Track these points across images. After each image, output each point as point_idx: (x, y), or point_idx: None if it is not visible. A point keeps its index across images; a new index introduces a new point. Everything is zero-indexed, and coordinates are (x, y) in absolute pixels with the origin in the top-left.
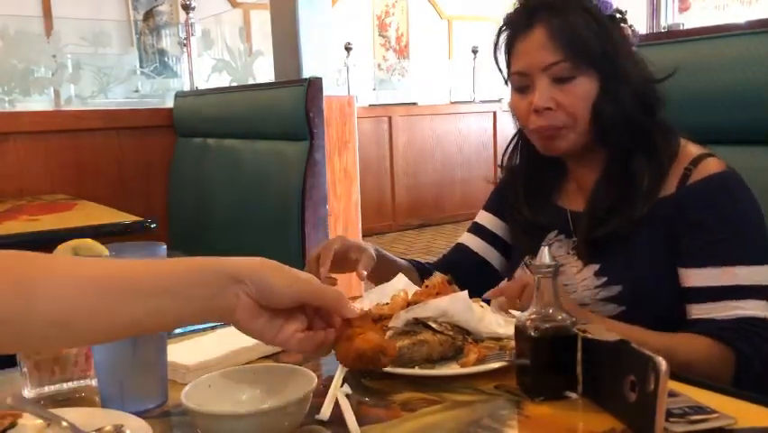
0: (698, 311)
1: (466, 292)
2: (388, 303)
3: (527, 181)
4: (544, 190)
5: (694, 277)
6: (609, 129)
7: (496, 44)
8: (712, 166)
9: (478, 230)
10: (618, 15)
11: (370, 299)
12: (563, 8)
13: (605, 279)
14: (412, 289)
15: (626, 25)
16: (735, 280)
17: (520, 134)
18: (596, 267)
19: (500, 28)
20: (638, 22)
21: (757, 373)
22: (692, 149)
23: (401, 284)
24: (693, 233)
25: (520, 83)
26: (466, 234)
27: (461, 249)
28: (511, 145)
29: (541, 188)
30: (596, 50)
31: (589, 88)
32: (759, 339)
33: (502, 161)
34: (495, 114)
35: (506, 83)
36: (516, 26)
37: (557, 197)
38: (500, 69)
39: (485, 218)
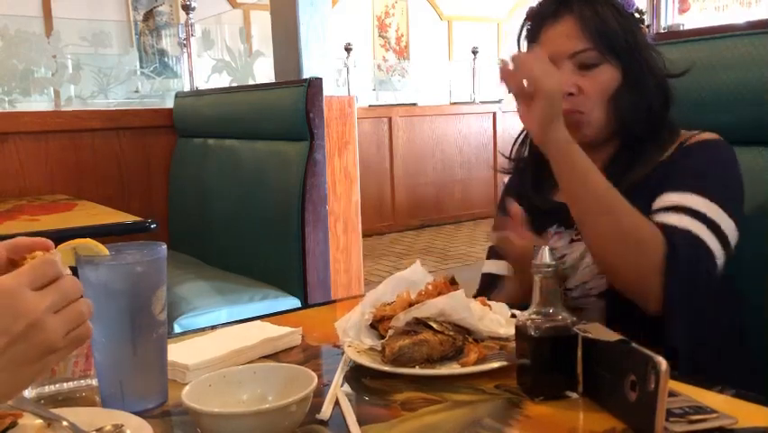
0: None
1: (462, 291)
2: (390, 304)
3: (535, 172)
4: (549, 184)
5: (659, 200)
6: (629, 118)
7: (520, 33)
8: (706, 135)
9: (494, 254)
10: (638, 15)
11: (389, 287)
12: (592, 0)
13: None
14: (423, 283)
15: (642, 25)
16: (694, 204)
17: None
18: None
19: (526, 17)
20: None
21: (682, 281)
22: (690, 132)
23: (416, 275)
24: (674, 173)
25: None
26: (486, 263)
27: (487, 279)
28: (521, 137)
29: (546, 180)
30: (621, 41)
31: (612, 77)
32: (694, 251)
33: (511, 152)
34: (495, 114)
35: None
36: (543, 16)
37: (556, 193)
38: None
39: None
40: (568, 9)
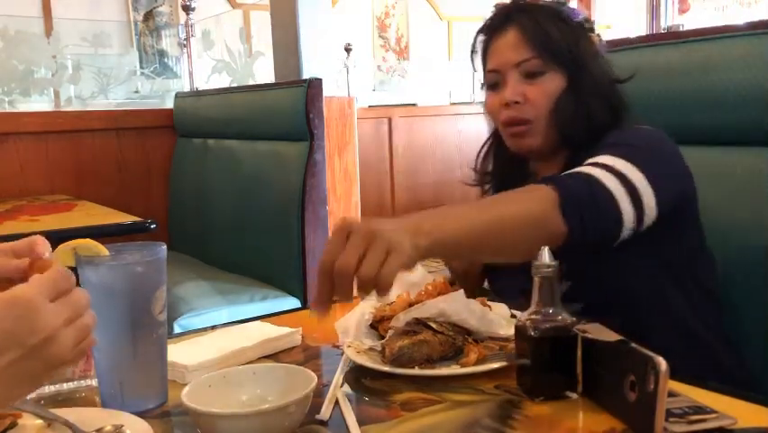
0: None
1: (462, 291)
2: (390, 304)
3: (499, 183)
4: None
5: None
6: (570, 125)
7: (473, 47)
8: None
9: None
10: (587, 24)
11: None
12: (536, 12)
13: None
14: (423, 283)
15: (593, 34)
16: (611, 163)
17: (494, 137)
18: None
19: (477, 32)
20: (638, 22)
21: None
22: None
23: (416, 275)
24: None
25: (493, 80)
26: None
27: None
28: (485, 148)
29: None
30: (564, 49)
31: (556, 85)
32: (585, 180)
33: (476, 164)
34: None
35: (481, 87)
36: (492, 29)
37: None
38: (476, 71)
39: None
40: (512, 22)
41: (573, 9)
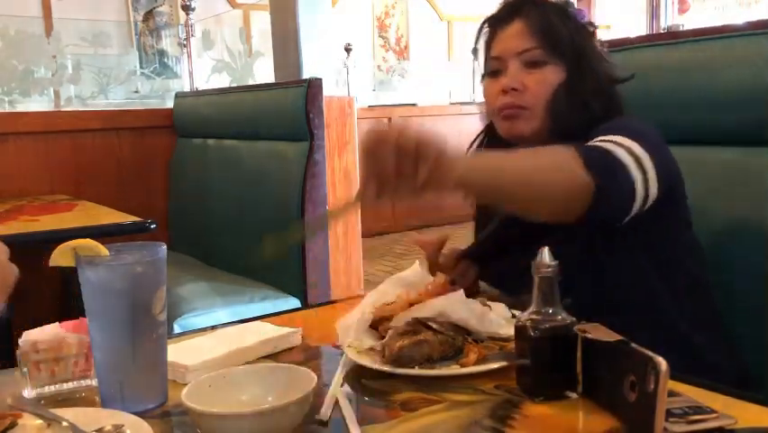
0: None
1: (462, 291)
2: (390, 304)
3: None
4: None
5: None
6: (565, 117)
7: (477, 38)
8: None
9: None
10: (590, 27)
11: (389, 287)
12: (543, 6)
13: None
14: (422, 283)
15: (596, 38)
16: (613, 138)
17: (487, 130)
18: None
19: (483, 22)
20: (638, 22)
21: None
22: None
23: (416, 276)
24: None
25: (494, 67)
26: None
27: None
28: (476, 142)
29: None
30: (567, 43)
31: (556, 77)
32: (604, 151)
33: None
34: None
35: (482, 78)
36: (498, 19)
37: None
38: (476, 60)
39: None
40: (518, 13)
41: (580, 9)
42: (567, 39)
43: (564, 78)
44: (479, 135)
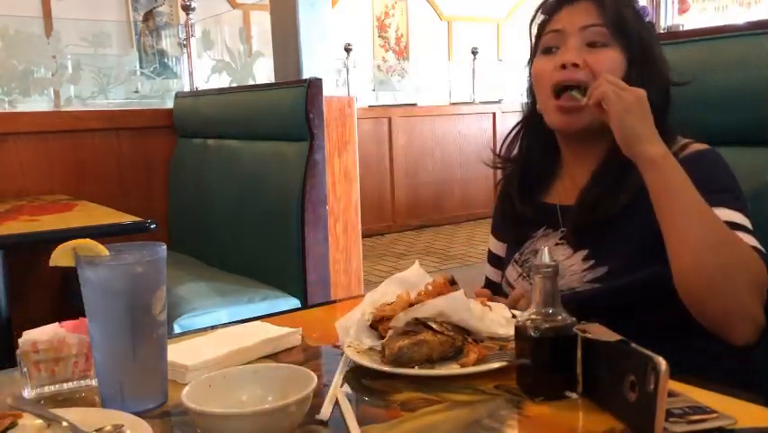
0: None
1: (462, 291)
2: (390, 304)
3: (521, 175)
4: (537, 185)
5: None
6: None
7: (534, 16)
8: (695, 146)
9: (491, 259)
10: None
11: (389, 287)
12: None
13: (592, 261)
14: (422, 283)
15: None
16: (724, 217)
17: (525, 123)
18: (585, 252)
19: (543, 2)
20: None
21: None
22: (683, 140)
23: (416, 276)
24: None
25: (551, 42)
26: (486, 266)
27: (487, 281)
28: (512, 134)
29: (534, 181)
30: (634, 32)
31: (617, 60)
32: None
33: (501, 149)
34: (494, 115)
35: (529, 61)
36: (563, 0)
37: (546, 195)
38: (531, 39)
39: (492, 243)
40: None
41: (644, 7)
42: (634, 28)
43: (625, 66)
44: (516, 126)
